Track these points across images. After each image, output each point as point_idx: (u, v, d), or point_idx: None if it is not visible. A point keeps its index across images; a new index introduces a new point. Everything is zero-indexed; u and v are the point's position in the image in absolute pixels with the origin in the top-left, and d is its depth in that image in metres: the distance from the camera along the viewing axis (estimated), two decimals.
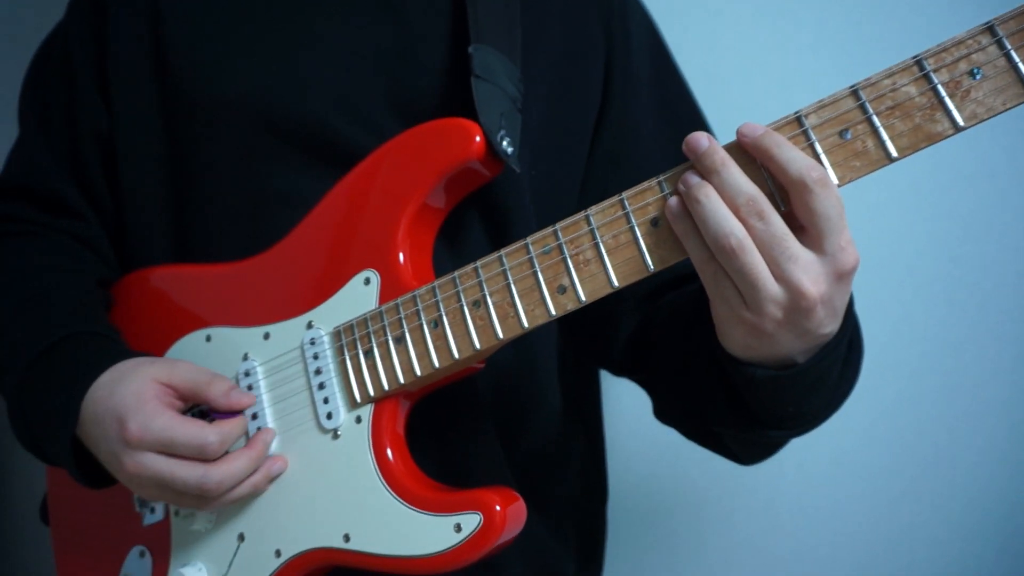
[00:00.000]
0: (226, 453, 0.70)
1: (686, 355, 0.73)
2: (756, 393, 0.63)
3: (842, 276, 0.56)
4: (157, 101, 0.81)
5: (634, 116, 0.85)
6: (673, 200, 0.60)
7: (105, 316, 0.82)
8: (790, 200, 0.57)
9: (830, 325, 0.59)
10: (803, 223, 0.56)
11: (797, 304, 0.56)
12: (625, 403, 1.05)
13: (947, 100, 0.55)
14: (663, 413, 0.83)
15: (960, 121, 0.55)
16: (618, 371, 0.90)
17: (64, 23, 0.88)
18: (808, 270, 0.55)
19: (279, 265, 0.78)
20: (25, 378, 0.74)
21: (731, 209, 0.56)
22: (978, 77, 0.55)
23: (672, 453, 1.12)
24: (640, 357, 0.83)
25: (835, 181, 0.57)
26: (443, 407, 0.76)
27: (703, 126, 0.86)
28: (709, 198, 0.57)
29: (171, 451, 0.68)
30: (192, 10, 0.80)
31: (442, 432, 0.77)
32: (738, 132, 0.58)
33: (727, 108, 0.90)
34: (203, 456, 0.68)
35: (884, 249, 1.04)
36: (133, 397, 0.68)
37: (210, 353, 0.78)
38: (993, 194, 1.03)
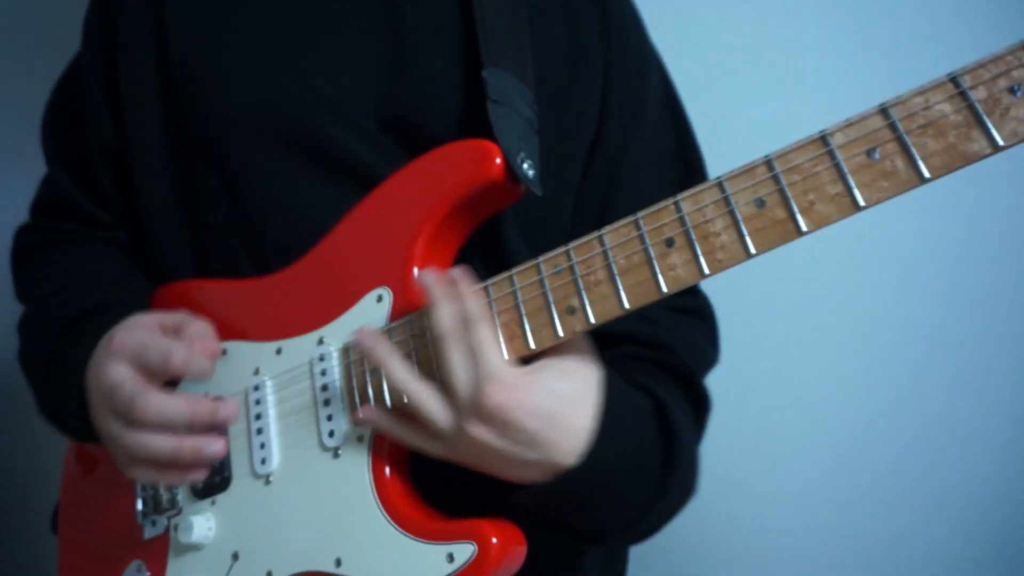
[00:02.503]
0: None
1: None
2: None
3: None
4: (165, 122, 0.82)
5: (628, 137, 0.82)
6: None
7: (140, 290, 0.84)
8: None
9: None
10: None
11: None
12: None
13: (985, 118, 0.52)
14: None
15: (999, 140, 0.51)
16: None
17: (82, 47, 0.89)
18: None
19: (297, 282, 0.77)
20: (56, 342, 0.76)
21: None
22: (1019, 94, 0.51)
23: None
24: None
25: (861, 203, 0.54)
26: None
27: (696, 151, 0.85)
28: None
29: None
30: (195, 28, 0.81)
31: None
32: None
33: (729, 110, 0.89)
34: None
35: (884, 249, 1.03)
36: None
37: (224, 366, 0.78)
38: (993, 194, 1.01)
